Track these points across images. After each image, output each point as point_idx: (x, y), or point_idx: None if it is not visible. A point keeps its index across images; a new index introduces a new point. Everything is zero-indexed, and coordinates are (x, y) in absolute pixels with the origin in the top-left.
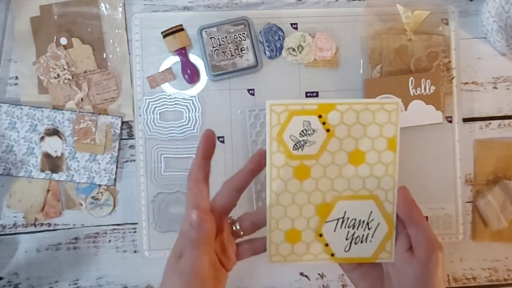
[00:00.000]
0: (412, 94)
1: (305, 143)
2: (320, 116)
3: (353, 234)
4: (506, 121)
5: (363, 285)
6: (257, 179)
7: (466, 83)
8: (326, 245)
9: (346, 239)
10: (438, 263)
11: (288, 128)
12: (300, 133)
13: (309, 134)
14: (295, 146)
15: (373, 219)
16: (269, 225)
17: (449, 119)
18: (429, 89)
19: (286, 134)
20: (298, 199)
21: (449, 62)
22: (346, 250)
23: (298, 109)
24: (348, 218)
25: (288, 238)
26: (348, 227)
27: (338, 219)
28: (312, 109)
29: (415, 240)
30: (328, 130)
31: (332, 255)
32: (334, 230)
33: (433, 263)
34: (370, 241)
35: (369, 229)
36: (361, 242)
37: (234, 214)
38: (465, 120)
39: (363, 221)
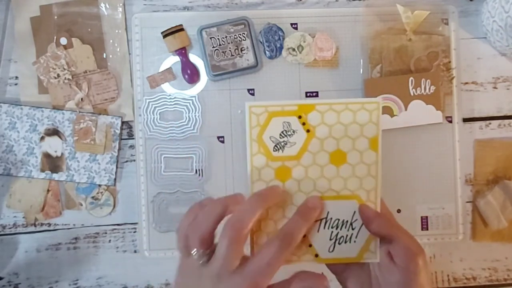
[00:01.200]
0: (412, 94)
1: (286, 144)
2: (300, 117)
3: (336, 234)
4: (506, 121)
5: (352, 286)
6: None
7: (466, 83)
8: (310, 245)
9: (330, 239)
10: (418, 270)
11: (268, 129)
12: (280, 134)
13: (289, 135)
14: (276, 147)
15: (356, 219)
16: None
17: (449, 119)
18: (429, 89)
19: (266, 135)
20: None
21: (449, 62)
22: (330, 250)
23: (277, 110)
24: (331, 218)
25: None
26: (332, 227)
27: (321, 220)
28: (291, 110)
29: (392, 250)
30: (308, 131)
31: (316, 255)
32: (318, 231)
33: (412, 272)
34: (354, 241)
35: (352, 229)
36: (345, 242)
37: None
38: (465, 120)
39: (347, 221)
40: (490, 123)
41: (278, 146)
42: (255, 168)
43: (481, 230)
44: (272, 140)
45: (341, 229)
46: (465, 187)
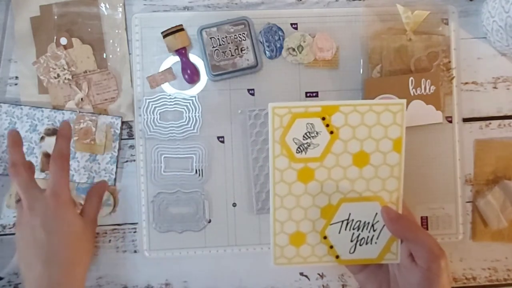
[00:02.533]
0: (412, 94)
1: (309, 145)
2: (323, 118)
3: (358, 236)
4: (506, 121)
5: (370, 286)
6: (255, 180)
7: (466, 83)
8: (331, 247)
9: (351, 241)
10: (440, 271)
11: (291, 131)
12: (304, 136)
13: (312, 137)
14: (299, 149)
15: (378, 221)
16: (273, 228)
17: (449, 119)
18: (429, 89)
19: (289, 137)
20: (302, 202)
21: (449, 62)
22: (351, 252)
23: (301, 111)
24: (353, 220)
25: (292, 241)
26: (353, 229)
27: (342, 221)
28: (315, 111)
29: (414, 252)
30: (332, 132)
31: (337, 257)
32: (339, 232)
33: (434, 273)
34: (375, 242)
35: (374, 230)
36: (366, 243)
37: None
38: (465, 120)
39: (368, 223)
40: (490, 123)
41: (301, 148)
42: (277, 170)
43: (481, 230)
44: (295, 141)
45: (362, 230)
46: (465, 187)
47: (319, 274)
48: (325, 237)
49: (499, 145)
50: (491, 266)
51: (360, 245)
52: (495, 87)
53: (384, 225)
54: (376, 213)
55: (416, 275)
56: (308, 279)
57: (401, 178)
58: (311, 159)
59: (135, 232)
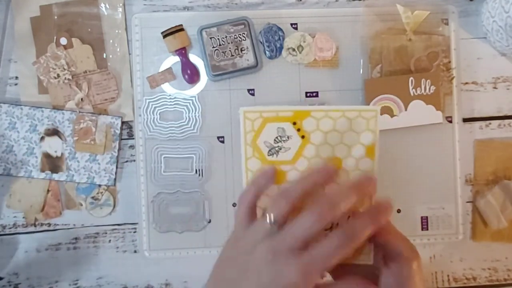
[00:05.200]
0: (412, 94)
1: (280, 149)
2: (294, 123)
3: None
4: (506, 121)
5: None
6: None
7: (466, 83)
8: None
9: None
10: (412, 274)
11: (262, 134)
12: (275, 140)
13: (283, 141)
14: (270, 151)
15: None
16: None
17: (449, 119)
18: (429, 89)
19: (260, 140)
20: None
21: (449, 62)
22: None
23: (272, 115)
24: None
25: None
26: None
27: None
28: (286, 116)
29: (386, 254)
30: (303, 137)
31: None
32: None
33: (405, 276)
34: None
35: None
36: None
37: None
38: (465, 120)
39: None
40: (490, 123)
41: (273, 151)
42: (250, 171)
43: (481, 230)
44: (266, 145)
45: None
46: (465, 187)
47: None
48: None
49: (499, 145)
50: (491, 266)
51: None
52: (495, 87)
53: None
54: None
55: (388, 278)
56: None
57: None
58: (282, 162)
59: (135, 232)
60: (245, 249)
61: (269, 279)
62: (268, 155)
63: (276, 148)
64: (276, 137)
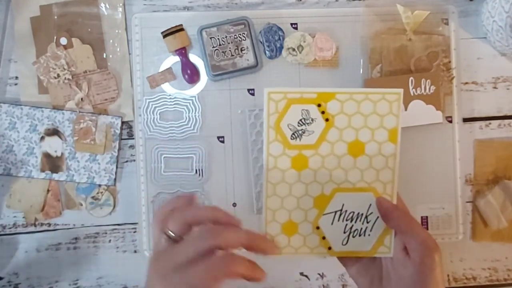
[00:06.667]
0: (412, 94)
1: (304, 132)
2: (319, 105)
3: (351, 227)
4: (506, 121)
5: (361, 280)
6: (255, 180)
7: (466, 83)
8: (323, 238)
9: (344, 232)
10: (434, 266)
11: (286, 116)
12: (299, 122)
13: (307, 124)
14: (293, 135)
15: (371, 213)
16: (265, 216)
17: (449, 119)
18: (429, 89)
19: (284, 122)
20: (295, 191)
21: (449, 62)
22: (344, 243)
23: (297, 97)
24: (346, 211)
25: (284, 230)
26: (346, 220)
27: (335, 212)
28: (311, 98)
29: (408, 244)
30: (327, 120)
31: (329, 248)
32: (332, 223)
33: (428, 267)
34: (369, 234)
35: (367, 222)
36: (359, 235)
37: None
38: (465, 120)
39: (362, 214)
40: (490, 123)
41: (296, 134)
42: (271, 155)
43: (481, 230)
44: (290, 128)
45: (355, 222)
46: (465, 187)
47: (319, 274)
48: (317, 227)
49: (499, 145)
50: (491, 266)
51: (353, 236)
52: (495, 87)
53: (377, 218)
54: (370, 205)
55: (409, 269)
56: (308, 279)
57: (396, 169)
58: (305, 146)
59: (135, 232)
60: (157, 260)
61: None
62: (291, 139)
63: (300, 131)
64: (300, 120)
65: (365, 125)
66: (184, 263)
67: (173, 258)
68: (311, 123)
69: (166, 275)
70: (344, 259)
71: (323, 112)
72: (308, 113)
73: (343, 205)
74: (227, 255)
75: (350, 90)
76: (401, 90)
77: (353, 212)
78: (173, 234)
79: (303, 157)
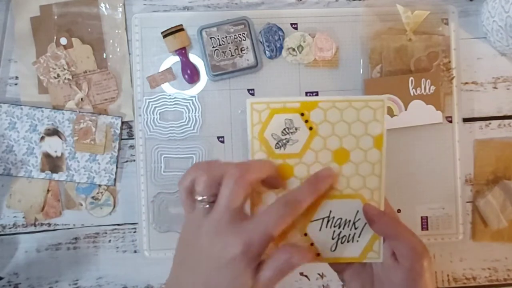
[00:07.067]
0: (412, 94)
1: (288, 141)
2: (302, 114)
3: (339, 234)
4: (506, 121)
5: (353, 286)
6: None
7: (466, 83)
8: (312, 244)
9: (332, 239)
10: (423, 271)
11: (269, 126)
12: (282, 132)
13: (291, 133)
14: (277, 144)
15: (359, 219)
16: None
17: (449, 119)
18: (429, 89)
19: (267, 132)
20: None
21: (449, 62)
22: (332, 249)
23: (279, 107)
24: (333, 217)
25: None
26: (334, 227)
27: (323, 218)
28: (294, 107)
29: (397, 250)
30: (311, 128)
31: (318, 254)
32: (320, 229)
33: (417, 273)
34: (357, 240)
35: (355, 228)
36: (348, 241)
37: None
38: (465, 120)
39: (349, 221)
40: (490, 123)
41: (280, 144)
42: None
43: (481, 230)
44: (274, 137)
45: (343, 228)
46: (465, 187)
47: (319, 274)
48: (305, 234)
49: (499, 145)
50: (491, 266)
51: (341, 242)
52: (495, 87)
53: (365, 224)
54: (358, 211)
55: (399, 275)
56: (308, 279)
57: (382, 176)
58: (290, 155)
59: (135, 232)
60: (192, 230)
61: (215, 253)
62: (276, 148)
63: (284, 141)
64: (284, 129)
65: (349, 133)
66: (239, 214)
67: (223, 212)
68: (295, 132)
69: (220, 231)
70: (335, 265)
71: (306, 121)
72: (292, 122)
73: (330, 211)
74: (288, 196)
75: (332, 98)
76: (384, 97)
77: (341, 219)
78: (209, 199)
79: (288, 166)
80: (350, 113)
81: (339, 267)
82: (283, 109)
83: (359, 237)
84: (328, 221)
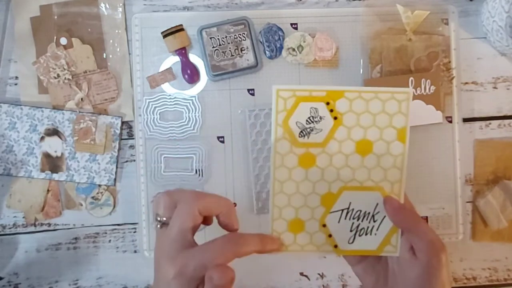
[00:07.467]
0: (412, 94)
1: (312, 130)
2: (328, 103)
3: (357, 226)
4: (506, 121)
5: (367, 279)
6: (255, 180)
7: (466, 83)
8: (330, 236)
9: (350, 231)
10: (441, 265)
11: (294, 114)
12: (307, 120)
13: (316, 121)
14: (301, 133)
15: (378, 212)
16: (272, 214)
17: (449, 119)
18: (429, 89)
19: (292, 120)
20: (302, 188)
21: (449, 62)
22: (350, 242)
23: (305, 95)
24: (353, 209)
25: (291, 227)
26: (353, 219)
27: (342, 210)
28: (320, 96)
29: (415, 244)
30: (335, 118)
31: (335, 246)
32: (338, 221)
33: (434, 267)
34: (375, 233)
35: (374, 221)
36: (366, 234)
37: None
38: (465, 120)
39: (368, 213)
40: (490, 123)
41: (304, 132)
42: (278, 153)
43: (481, 230)
44: (298, 125)
45: (362, 220)
46: (465, 187)
47: (319, 274)
48: (324, 225)
49: (499, 145)
50: (491, 266)
51: (359, 235)
52: (495, 87)
53: (384, 217)
54: (377, 204)
55: (415, 269)
56: (308, 279)
57: (404, 169)
58: (313, 144)
59: (135, 232)
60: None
61: (160, 273)
62: (299, 137)
63: (308, 129)
64: (309, 118)
65: (373, 124)
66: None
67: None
68: (319, 121)
69: (174, 257)
70: (350, 258)
71: (331, 110)
72: (317, 111)
73: (350, 203)
74: (235, 235)
75: (359, 88)
76: (410, 90)
77: (360, 211)
78: (163, 218)
79: (310, 155)
80: (375, 104)
81: (354, 260)
82: (309, 98)
83: (377, 230)
84: (347, 213)
